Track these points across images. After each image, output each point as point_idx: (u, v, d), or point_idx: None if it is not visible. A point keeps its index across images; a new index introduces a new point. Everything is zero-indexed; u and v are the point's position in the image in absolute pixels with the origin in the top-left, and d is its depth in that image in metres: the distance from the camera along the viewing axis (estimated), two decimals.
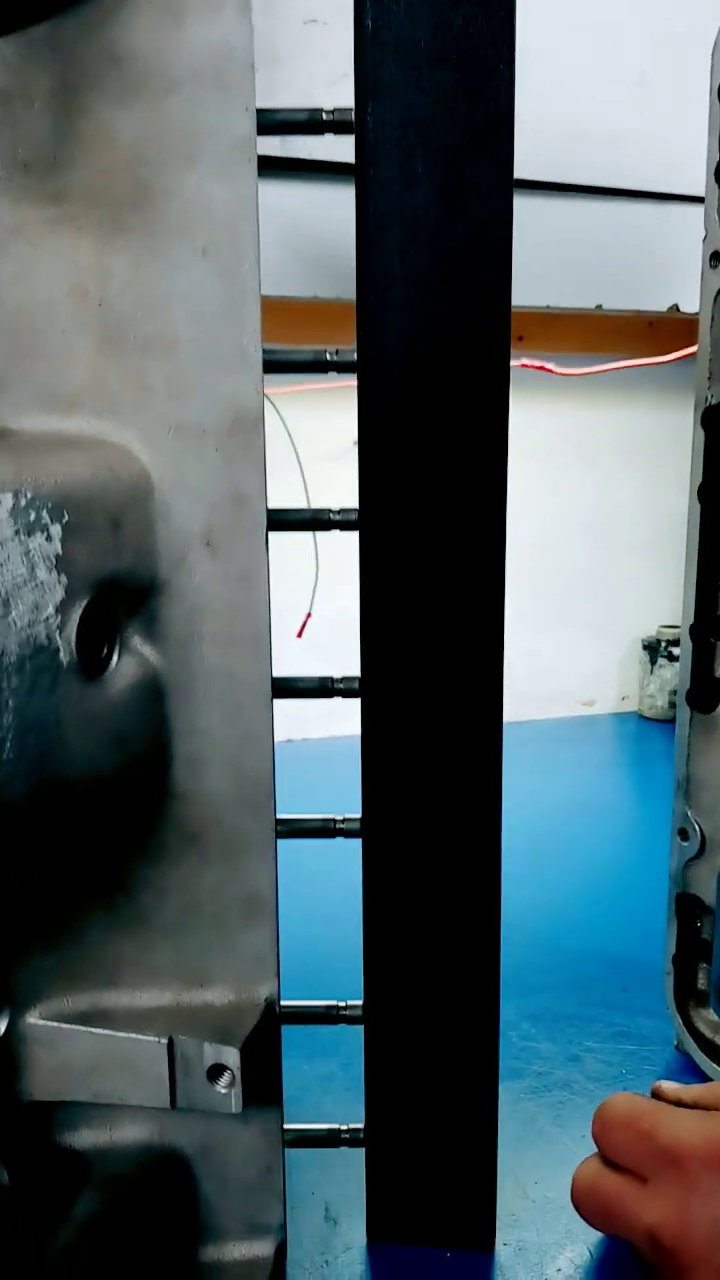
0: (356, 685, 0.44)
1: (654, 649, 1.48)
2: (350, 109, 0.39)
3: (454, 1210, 0.48)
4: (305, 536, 1.16)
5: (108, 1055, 0.40)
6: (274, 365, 0.40)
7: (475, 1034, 0.46)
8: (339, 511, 0.43)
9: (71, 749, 0.35)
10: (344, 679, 0.44)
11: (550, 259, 0.76)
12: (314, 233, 0.70)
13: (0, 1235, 0.37)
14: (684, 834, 0.60)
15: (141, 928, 0.41)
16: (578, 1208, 0.47)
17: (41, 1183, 0.40)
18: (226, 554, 0.39)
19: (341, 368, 0.41)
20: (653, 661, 1.48)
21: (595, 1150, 0.48)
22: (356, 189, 0.40)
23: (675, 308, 0.80)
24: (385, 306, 0.40)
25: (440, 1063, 0.46)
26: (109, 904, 0.41)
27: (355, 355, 0.41)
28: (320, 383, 0.98)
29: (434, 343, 0.40)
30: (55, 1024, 0.40)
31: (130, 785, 0.39)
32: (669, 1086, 0.50)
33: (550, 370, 1.01)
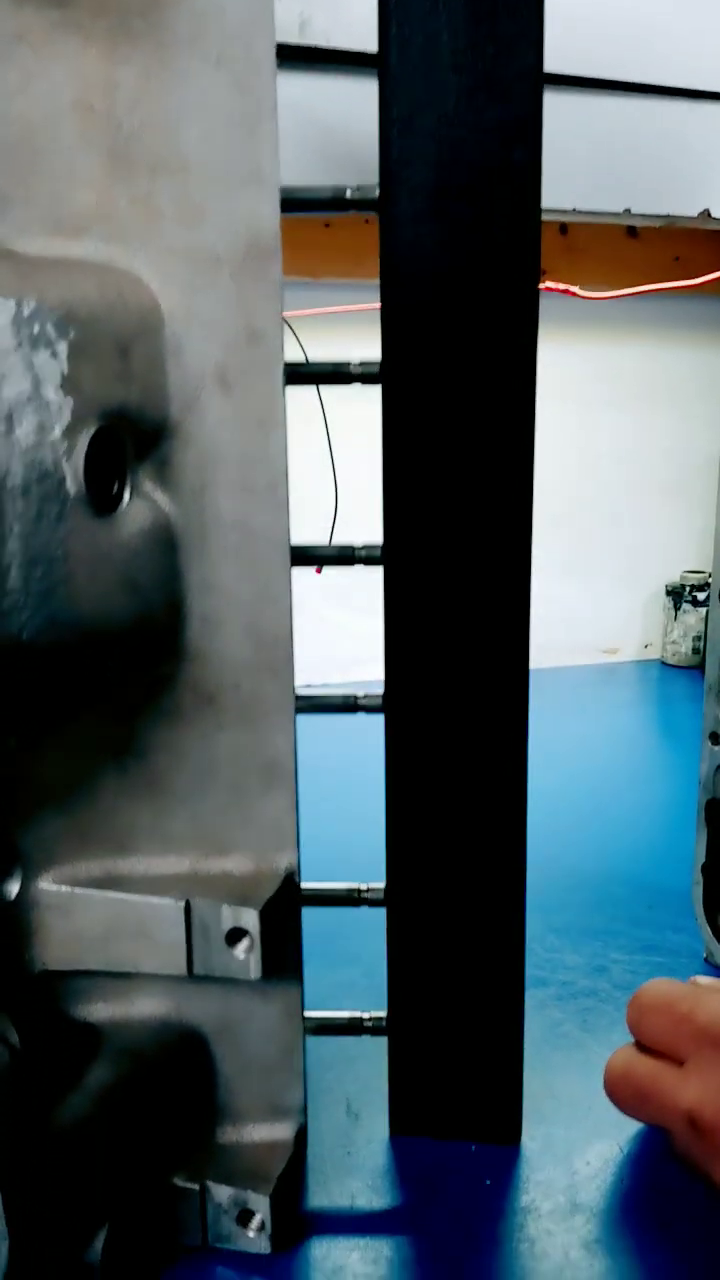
0: (379, 553, 0.42)
1: (678, 594, 1.46)
2: None
3: (479, 1102, 0.47)
4: (324, 472, 1.14)
5: (122, 920, 0.38)
6: (291, 203, 0.38)
7: (500, 916, 0.44)
8: (360, 364, 0.41)
9: (80, 588, 0.33)
10: (365, 546, 0.43)
11: (575, 160, 0.74)
12: (332, 126, 0.68)
13: (11, 1095, 0.35)
14: (715, 738, 0.59)
15: (157, 793, 0.40)
16: (611, 1094, 0.46)
17: (52, 1049, 0.39)
18: (241, 395, 0.37)
19: (362, 205, 0.39)
20: (676, 607, 1.46)
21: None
22: (379, 14, 0.38)
23: (706, 213, 0.77)
24: (408, 137, 0.38)
25: (465, 946, 0.45)
26: (122, 766, 0.39)
27: (376, 193, 0.39)
28: (343, 305, 0.96)
29: (461, 176, 0.38)
30: (68, 888, 0.39)
31: (143, 639, 0.37)
32: (705, 979, 0.48)
33: (575, 294, 0.98)
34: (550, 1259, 0.41)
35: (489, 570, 0.41)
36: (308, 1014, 0.44)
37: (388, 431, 0.41)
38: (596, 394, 1.41)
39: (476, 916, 0.44)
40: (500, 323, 0.39)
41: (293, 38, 0.66)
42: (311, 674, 1.42)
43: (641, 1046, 0.45)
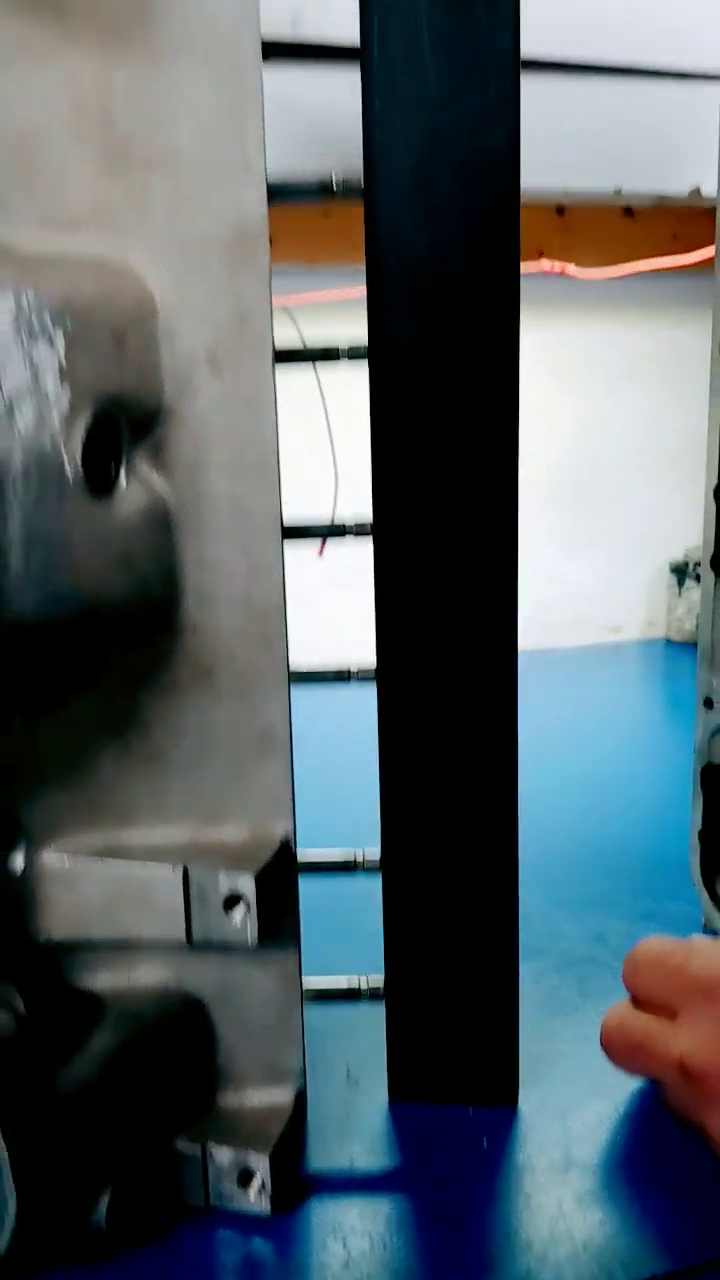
0: (369, 528, 0.43)
1: (682, 571, 1.46)
2: None
3: (476, 1065, 0.48)
4: (324, 457, 1.15)
5: (123, 889, 0.40)
6: (280, 192, 0.39)
7: (493, 881, 0.46)
8: (349, 347, 0.42)
9: (80, 567, 0.35)
10: (356, 522, 0.44)
11: (566, 142, 0.75)
12: (325, 120, 0.69)
13: (17, 1060, 0.37)
14: (709, 703, 0.60)
15: (156, 764, 0.41)
16: (606, 1048, 0.47)
17: (56, 1017, 0.40)
18: (232, 376, 0.38)
19: (347, 193, 0.40)
20: (680, 584, 1.47)
21: None
22: (360, 7, 0.39)
23: (696, 191, 0.78)
24: (390, 126, 0.39)
25: (459, 912, 0.46)
26: (123, 740, 0.41)
27: (361, 181, 0.40)
28: (341, 290, 0.98)
29: (443, 163, 0.39)
30: (71, 859, 0.40)
31: (141, 615, 0.38)
32: (703, 939, 0.49)
33: (570, 274, 0.99)
34: (545, 1212, 0.42)
35: (476, 539, 0.42)
36: (306, 981, 0.46)
37: (375, 410, 0.42)
38: (599, 373, 1.41)
39: (470, 882, 0.46)
40: (482, 301, 0.40)
41: (285, 32, 0.67)
42: (313, 655, 1.42)
43: (637, 1002, 0.47)
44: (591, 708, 1.21)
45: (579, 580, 1.46)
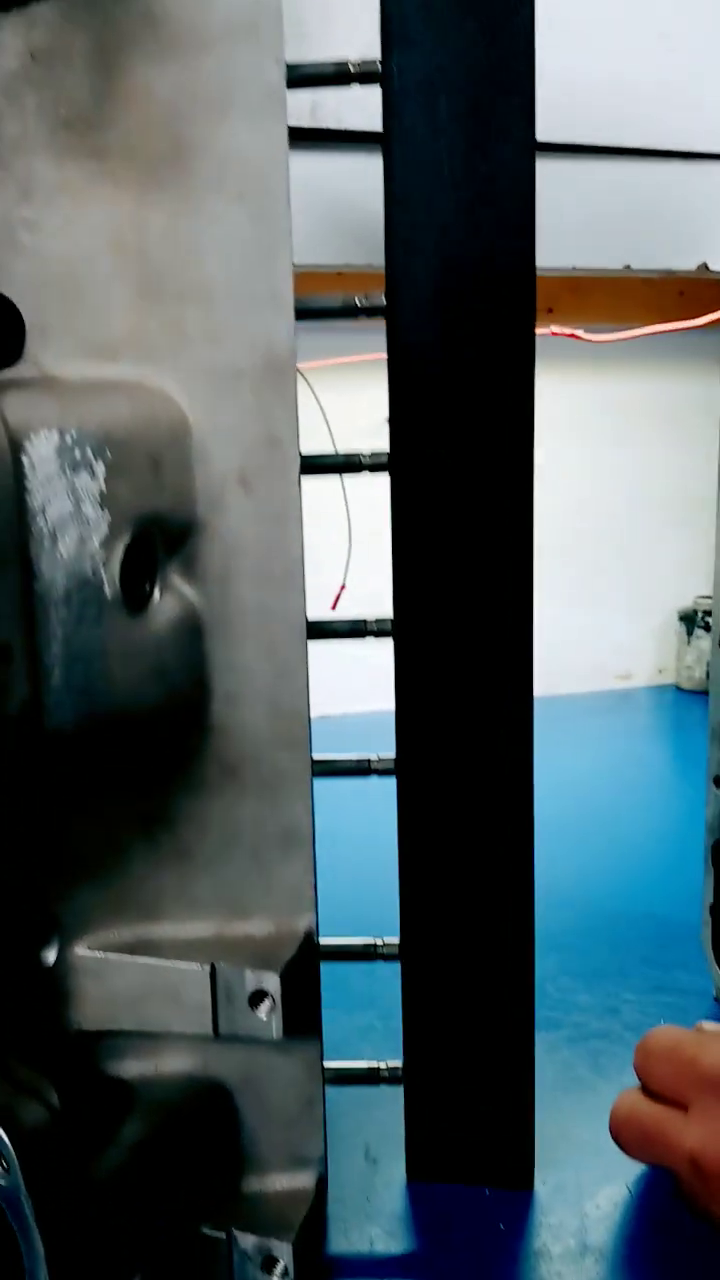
0: (389, 626, 0.45)
1: (691, 620, 1.48)
2: (376, 61, 0.40)
3: (492, 1149, 0.49)
4: (338, 512, 1.17)
5: (152, 984, 0.41)
6: (304, 313, 0.41)
7: (510, 970, 0.47)
8: (370, 455, 0.44)
9: (115, 680, 0.36)
10: (377, 620, 0.45)
11: (575, 222, 0.76)
12: (344, 201, 0.71)
13: (51, 1154, 0.38)
14: (719, 782, 0.61)
15: (183, 860, 0.43)
16: (616, 1137, 0.48)
17: (88, 1106, 0.41)
18: (261, 494, 0.40)
19: (370, 313, 0.42)
20: (690, 632, 1.48)
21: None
22: (383, 141, 0.41)
23: (704, 266, 0.80)
24: (412, 252, 0.41)
25: (477, 999, 0.47)
26: (152, 837, 0.42)
27: (384, 301, 0.42)
28: (351, 355, 0.99)
29: (460, 284, 0.41)
30: (102, 954, 0.41)
31: (172, 718, 0.40)
32: (711, 1025, 0.50)
33: (580, 337, 1.01)
34: None
35: (492, 644, 0.44)
36: (327, 1064, 0.47)
37: (396, 517, 0.44)
38: (607, 425, 1.44)
39: (487, 970, 0.47)
40: (498, 416, 0.42)
41: (304, 121, 0.69)
42: (327, 705, 1.44)
43: (647, 1090, 0.47)
44: (602, 757, 1.22)
45: (588, 627, 1.48)
